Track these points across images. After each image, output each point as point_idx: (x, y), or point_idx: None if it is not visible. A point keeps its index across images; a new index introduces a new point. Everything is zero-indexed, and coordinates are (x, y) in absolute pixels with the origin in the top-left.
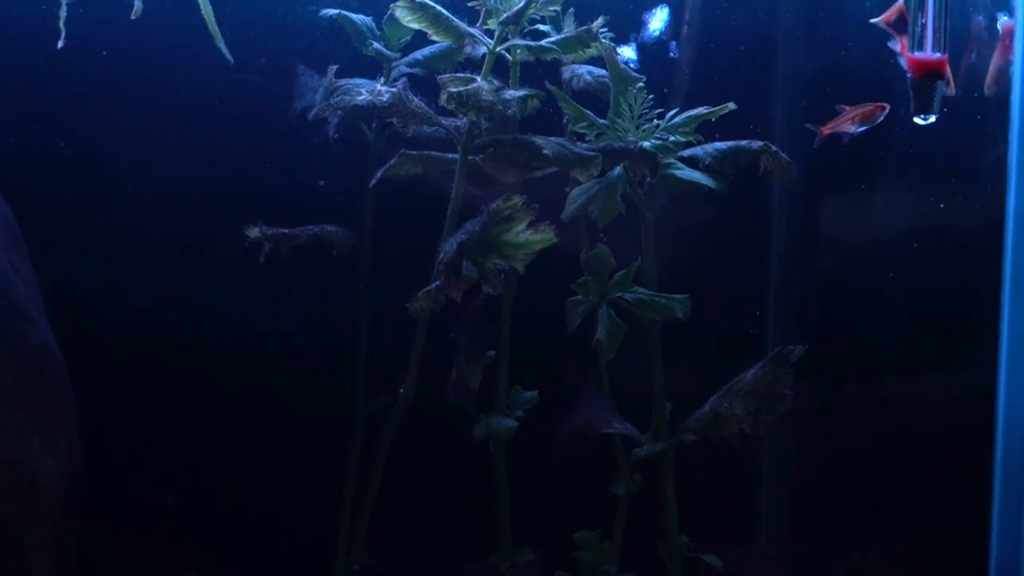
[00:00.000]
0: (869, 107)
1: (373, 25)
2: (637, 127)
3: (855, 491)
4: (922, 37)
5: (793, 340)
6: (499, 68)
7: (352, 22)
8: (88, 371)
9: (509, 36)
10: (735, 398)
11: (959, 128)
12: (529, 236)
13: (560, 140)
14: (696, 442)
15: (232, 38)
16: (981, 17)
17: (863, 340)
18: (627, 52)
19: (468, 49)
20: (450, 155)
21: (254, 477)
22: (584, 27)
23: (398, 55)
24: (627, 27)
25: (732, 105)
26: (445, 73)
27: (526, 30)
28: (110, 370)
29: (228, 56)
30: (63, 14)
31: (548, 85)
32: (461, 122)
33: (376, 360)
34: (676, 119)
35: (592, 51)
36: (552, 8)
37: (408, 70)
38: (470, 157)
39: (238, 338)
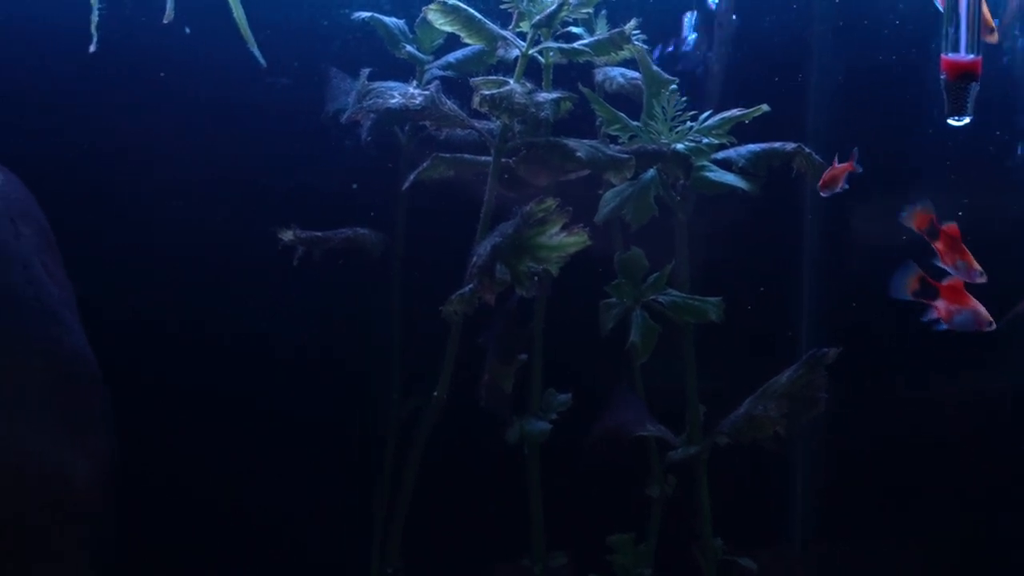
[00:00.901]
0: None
1: (405, 28)
2: (670, 129)
3: (889, 493)
4: (955, 39)
5: (826, 342)
6: (531, 70)
7: (385, 25)
8: (120, 375)
9: (541, 39)
10: (770, 400)
11: (991, 130)
12: (563, 239)
13: (593, 142)
14: (729, 445)
15: (265, 42)
16: None
17: (897, 342)
18: None
19: (500, 52)
20: (483, 158)
21: (287, 480)
22: (617, 29)
23: (430, 58)
24: (660, 28)
25: (765, 107)
26: (477, 76)
27: (558, 32)
28: (143, 375)
29: (260, 59)
30: (95, 18)
31: (581, 87)
32: (494, 125)
33: (406, 363)
34: (709, 121)
35: (625, 53)
36: (584, 10)
37: (440, 73)
38: (502, 160)
39: (268, 343)
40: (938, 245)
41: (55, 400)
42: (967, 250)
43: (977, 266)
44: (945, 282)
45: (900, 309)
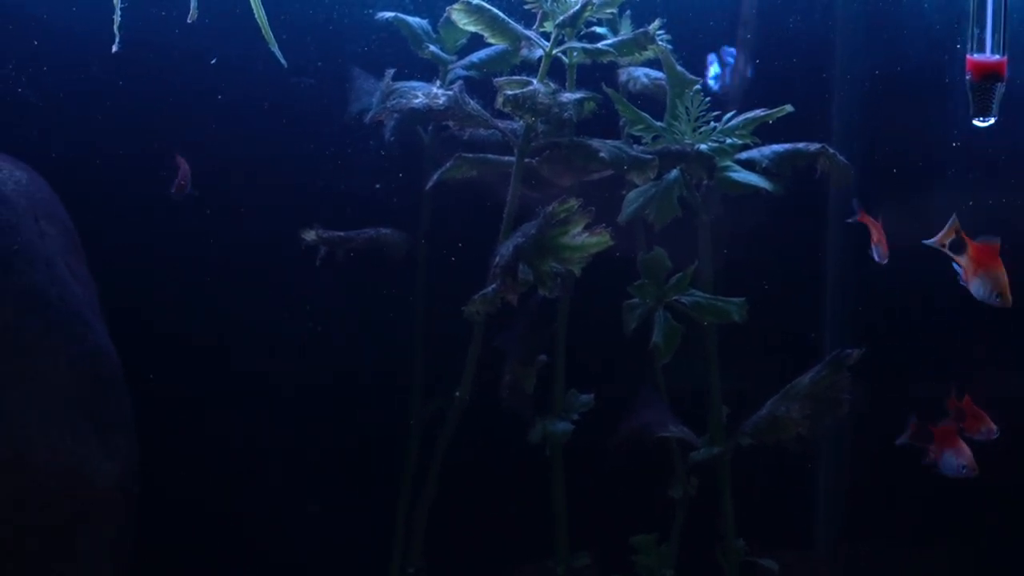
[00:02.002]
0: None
1: (429, 28)
2: (694, 130)
3: (913, 495)
4: (981, 39)
5: (850, 343)
6: (555, 70)
7: (408, 25)
8: (142, 377)
9: (565, 39)
10: (792, 401)
11: (1018, 129)
12: (585, 239)
13: (616, 143)
14: (754, 445)
15: (288, 41)
16: None
17: (921, 342)
18: None
19: (524, 52)
20: (506, 158)
21: (308, 480)
22: (641, 29)
23: (454, 58)
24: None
25: (789, 107)
26: (501, 76)
27: (582, 32)
28: (163, 376)
29: (282, 59)
30: (117, 18)
31: (605, 88)
32: (517, 125)
33: (429, 363)
34: (733, 121)
35: (649, 53)
36: (608, 10)
37: (464, 73)
38: (526, 160)
39: (289, 343)
40: (966, 423)
41: (79, 400)
42: (985, 414)
43: (994, 426)
44: (940, 426)
45: (924, 309)
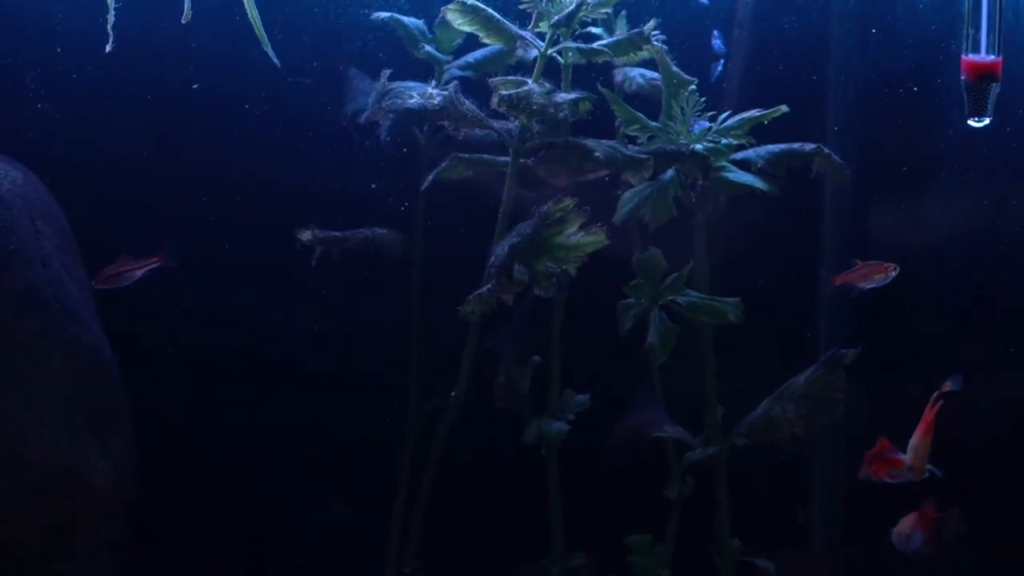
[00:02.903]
0: (880, 266)
1: (425, 28)
2: (689, 130)
3: (911, 495)
4: (976, 39)
5: (845, 342)
6: (550, 71)
7: (404, 25)
8: (140, 378)
9: (560, 39)
10: (788, 401)
11: (1013, 129)
12: (581, 238)
13: (612, 143)
14: (751, 445)
15: (284, 41)
16: None
17: (917, 341)
18: None
19: (519, 52)
20: (501, 158)
21: (304, 481)
22: (636, 30)
23: (450, 58)
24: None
25: (784, 108)
26: (496, 76)
27: (577, 33)
28: (162, 377)
29: (275, 60)
30: (111, 18)
31: (600, 88)
32: (512, 125)
33: (426, 362)
34: (728, 122)
35: (644, 54)
36: (603, 11)
37: (460, 73)
38: (521, 160)
39: (285, 342)
40: (872, 468)
41: (76, 399)
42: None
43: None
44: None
45: (920, 309)
